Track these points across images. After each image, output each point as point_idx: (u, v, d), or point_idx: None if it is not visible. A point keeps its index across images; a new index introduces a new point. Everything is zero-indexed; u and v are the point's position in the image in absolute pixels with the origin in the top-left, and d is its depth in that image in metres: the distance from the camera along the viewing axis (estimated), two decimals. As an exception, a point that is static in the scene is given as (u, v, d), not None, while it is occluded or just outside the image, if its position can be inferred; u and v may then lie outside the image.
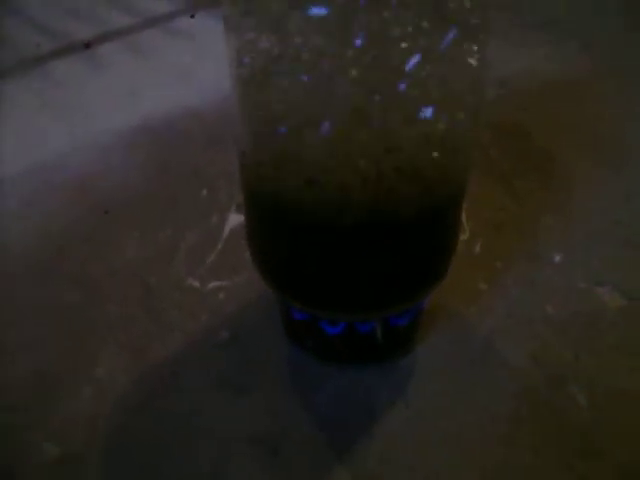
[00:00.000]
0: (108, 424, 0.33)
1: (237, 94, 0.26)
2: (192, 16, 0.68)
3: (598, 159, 0.49)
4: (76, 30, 0.67)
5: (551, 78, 0.58)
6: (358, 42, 0.21)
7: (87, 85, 0.59)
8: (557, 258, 0.41)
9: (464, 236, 0.42)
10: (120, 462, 0.32)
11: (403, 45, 0.22)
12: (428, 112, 0.23)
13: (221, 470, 0.31)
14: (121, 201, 0.46)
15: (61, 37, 0.66)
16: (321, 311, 0.31)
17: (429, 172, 0.25)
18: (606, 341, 0.36)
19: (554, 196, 0.45)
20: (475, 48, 0.24)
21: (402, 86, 0.22)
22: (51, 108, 0.57)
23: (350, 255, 0.28)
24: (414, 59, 0.22)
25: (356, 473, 0.31)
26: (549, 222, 0.43)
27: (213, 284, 0.40)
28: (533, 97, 0.56)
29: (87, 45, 0.63)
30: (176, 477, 0.31)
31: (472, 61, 0.24)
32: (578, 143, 0.51)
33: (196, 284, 0.40)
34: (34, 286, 0.41)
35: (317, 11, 0.21)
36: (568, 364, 0.35)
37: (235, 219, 0.44)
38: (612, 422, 0.33)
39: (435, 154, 0.25)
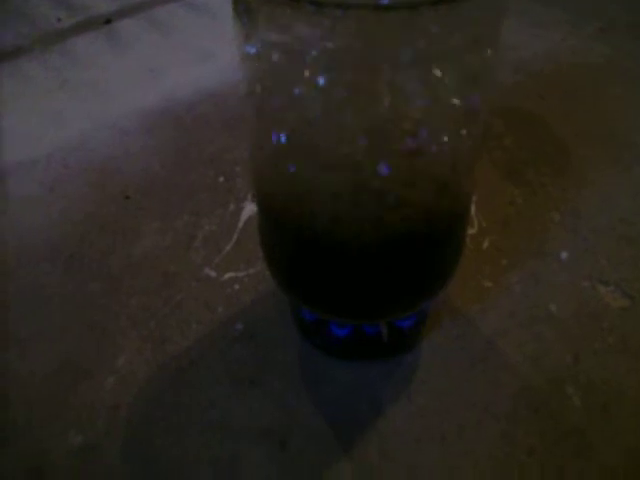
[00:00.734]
0: (129, 414, 0.36)
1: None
2: (211, -11, 0.68)
3: (611, 153, 0.49)
4: (96, 3, 0.68)
5: (568, 63, 0.58)
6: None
7: (107, 64, 0.60)
8: (563, 255, 0.42)
9: (473, 230, 0.43)
10: (139, 451, 0.34)
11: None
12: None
13: (232, 461, 0.34)
14: (141, 187, 0.48)
15: (81, 11, 0.67)
16: (329, 315, 0.33)
17: (433, 205, 0.26)
18: (606, 342, 0.38)
19: (564, 191, 0.46)
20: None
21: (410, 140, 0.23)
22: (71, 87, 0.58)
23: (359, 269, 0.30)
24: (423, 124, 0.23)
25: (358, 467, 0.33)
26: (557, 218, 0.44)
27: (229, 275, 0.42)
28: (550, 83, 0.56)
29: (108, 21, 0.64)
30: (190, 467, 0.34)
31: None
32: (593, 135, 0.51)
33: (213, 274, 0.42)
34: (58, 275, 0.43)
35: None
36: (567, 365, 0.37)
37: (251, 208, 0.45)
38: (607, 424, 0.34)
39: (438, 190, 0.26)
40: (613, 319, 0.39)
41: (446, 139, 0.25)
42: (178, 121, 0.53)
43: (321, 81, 0.23)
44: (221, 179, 0.48)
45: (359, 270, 0.30)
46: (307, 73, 0.23)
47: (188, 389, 0.37)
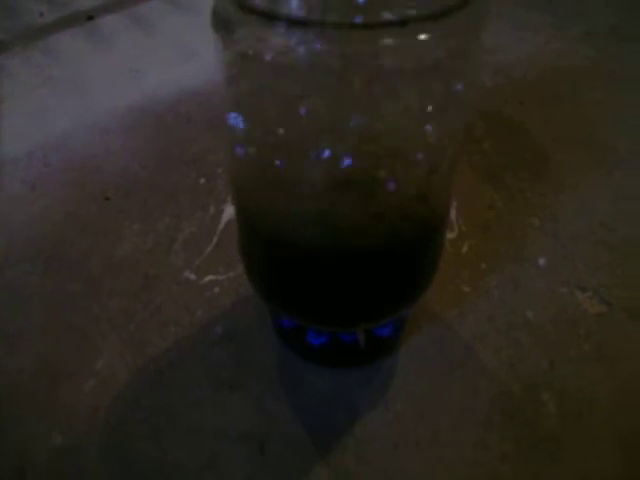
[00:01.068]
0: (109, 415, 0.36)
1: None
2: (196, -14, 0.68)
3: (591, 158, 0.49)
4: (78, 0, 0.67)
5: (551, 66, 0.58)
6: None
7: (89, 62, 0.60)
8: (541, 261, 0.42)
9: (452, 235, 0.44)
10: (118, 452, 0.34)
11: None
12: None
13: (211, 464, 0.34)
14: (121, 187, 0.47)
15: (64, 6, 0.66)
16: (306, 322, 0.33)
17: (407, 221, 0.26)
18: (582, 349, 0.38)
19: (543, 196, 0.46)
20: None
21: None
22: (53, 85, 0.57)
23: (335, 279, 0.30)
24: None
25: (335, 471, 0.33)
26: (536, 223, 0.45)
27: (209, 278, 0.42)
28: (531, 87, 0.56)
29: (90, 17, 0.63)
30: (169, 469, 0.34)
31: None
32: (573, 140, 0.51)
33: (193, 277, 0.42)
34: (38, 276, 0.42)
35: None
36: (543, 372, 0.37)
37: (231, 211, 0.45)
38: (581, 431, 0.35)
39: (416, 206, 0.26)
40: (590, 325, 0.39)
41: (421, 158, 0.25)
42: (160, 120, 0.53)
43: (295, 99, 0.23)
44: (202, 180, 0.48)
45: (335, 279, 0.30)
46: (281, 89, 0.23)
47: (167, 392, 0.37)
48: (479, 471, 0.33)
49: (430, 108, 0.25)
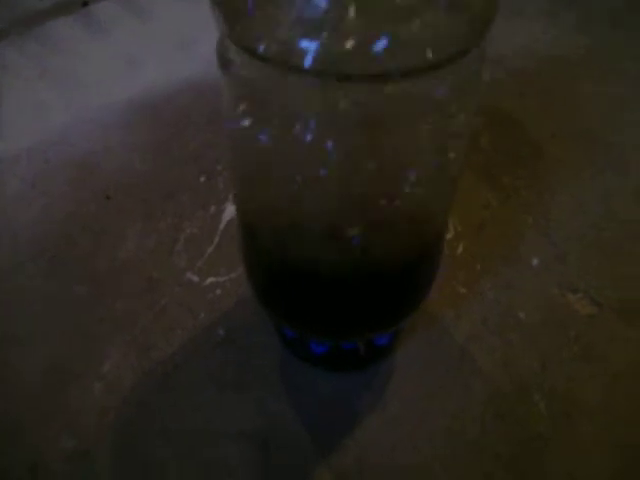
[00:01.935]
0: (117, 418, 0.37)
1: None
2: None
3: (585, 155, 0.50)
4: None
5: (548, 56, 0.58)
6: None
7: (85, 51, 0.59)
8: (535, 262, 0.44)
9: (449, 235, 0.45)
10: (127, 454, 0.36)
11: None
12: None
13: (216, 464, 0.35)
14: (122, 186, 0.48)
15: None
16: (308, 333, 0.35)
17: (405, 242, 0.27)
18: (572, 350, 0.40)
19: (538, 195, 0.47)
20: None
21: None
22: (50, 77, 0.57)
23: (336, 296, 0.31)
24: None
25: (335, 471, 0.35)
26: (530, 223, 0.46)
27: (210, 279, 0.43)
28: (529, 79, 0.56)
29: (85, 4, 0.62)
30: (175, 469, 0.35)
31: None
32: (569, 135, 0.52)
33: (195, 279, 0.43)
34: (43, 277, 0.43)
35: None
36: (534, 372, 0.39)
37: (231, 211, 0.46)
38: (569, 431, 0.36)
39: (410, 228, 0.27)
40: (580, 327, 0.41)
41: (419, 193, 0.26)
42: (158, 114, 0.53)
43: (301, 137, 0.24)
44: (202, 178, 0.48)
45: (336, 296, 0.31)
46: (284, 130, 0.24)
47: (173, 393, 0.38)
48: (473, 472, 0.35)
49: (429, 145, 0.25)
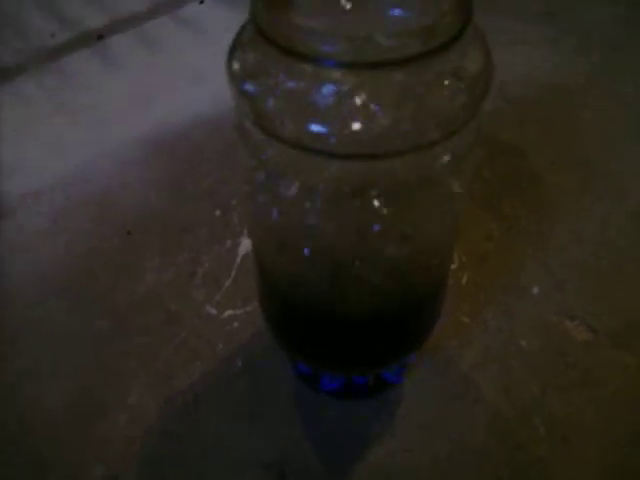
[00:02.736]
0: (142, 448, 0.40)
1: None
2: (201, 2, 0.69)
3: (583, 183, 0.52)
4: (88, 16, 0.69)
5: (548, 84, 0.61)
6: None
7: (101, 85, 0.62)
8: (535, 290, 0.46)
9: (453, 265, 0.47)
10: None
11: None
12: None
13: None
14: (141, 221, 0.50)
15: (74, 25, 0.68)
16: (321, 369, 0.37)
17: (410, 292, 0.30)
18: (570, 376, 0.42)
19: (538, 224, 0.50)
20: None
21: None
22: (67, 111, 0.60)
23: (347, 335, 0.34)
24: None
25: (350, 497, 0.38)
26: (530, 252, 0.48)
27: (228, 312, 0.45)
28: (529, 108, 0.58)
29: (100, 37, 0.65)
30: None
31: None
32: (568, 163, 0.54)
33: (213, 312, 0.45)
34: (65, 312, 0.46)
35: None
36: (535, 398, 0.41)
37: (247, 245, 0.48)
38: (568, 455, 0.39)
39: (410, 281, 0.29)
40: (577, 353, 0.43)
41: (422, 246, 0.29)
42: (172, 150, 0.56)
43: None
44: (218, 213, 0.51)
45: (349, 335, 0.34)
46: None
47: (194, 423, 0.41)
48: (476, 496, 0.37)
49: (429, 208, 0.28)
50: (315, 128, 0.24)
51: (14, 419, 0.41)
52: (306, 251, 0.29)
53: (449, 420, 0.40)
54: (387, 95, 0.25)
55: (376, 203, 0.27)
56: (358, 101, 0.24)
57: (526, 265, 0.47)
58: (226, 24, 0.61)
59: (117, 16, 0.69)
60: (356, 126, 0.24)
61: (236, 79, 0.27)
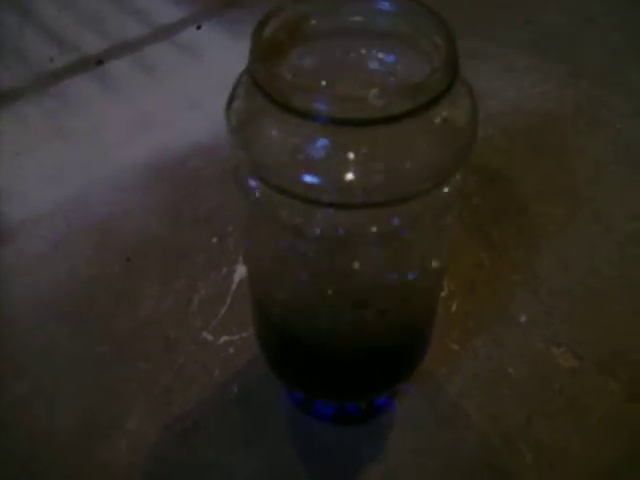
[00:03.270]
0: (142, 473, 0.41)
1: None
2: (199, 27, 0.71)
3: (570, 211, 0.54)
4: (87, 41, 0.70)
5: (537, 112, 0.62)
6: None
7: (100, 110, 0.63)
8: (523, 318, 0.47)
9: (443, 293, 0.48)
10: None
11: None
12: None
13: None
14: (140, 248, 0.52)
15: (73, 49, 0.69)
16: (315, 397, 0.38)
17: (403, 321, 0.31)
18: (556, 403, 0.43)
19: (525, 252, 0.51)
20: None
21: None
22: (67, 135, 0.61)
23: (340, 367, 0.35)
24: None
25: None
26: (518, 280, 0.49)
27: (224, 338, 0.46)
28: (518, 135, 0.60)
29: (99, 62, 0.66)
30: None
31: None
32: (555, 190, 0.55)
33: (210, 338, 0.47)
34: (67, 337, 0.47)
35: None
36: (521, 425, 0.42)
37: (242, 272, 0.50)
38: (553, 480, 0.40)
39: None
40: (563, 380, 0.44)
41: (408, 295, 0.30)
42: (171, 176, 0.57)
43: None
44: (214, 240, 0.52)
45: (342, 368, 0.35)
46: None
47: (192, 449, 0.42)
48: (464, 522, 0.39)
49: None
50: (309, 179, 0.26)
51: (16, 443, 0.42)
52: (301, 291, 0.31)
53: (438, 445, 0.41)
54: (377, 148, 0.26)
55: (370, 249, 0.28)
56: (350, 155, 0.26)
57: (515, 293, 0.49)
58: (223, 50, 0.62)
59: (116, 41, 0.71)
60: (348, 177, 0.26)
61: (233, 129, 0.28)
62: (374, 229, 0.27)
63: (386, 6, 0.29)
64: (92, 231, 0.53)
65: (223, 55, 0.68)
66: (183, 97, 0.64)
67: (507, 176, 0.56)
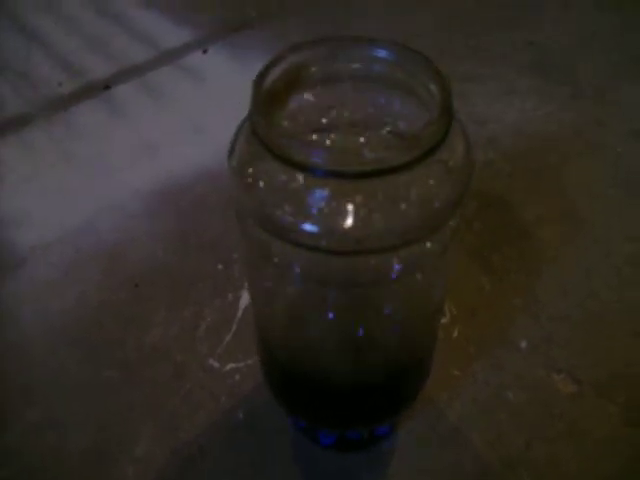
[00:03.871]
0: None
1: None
2: (205, 51, 0.72)
3: (570, 235, 0.55)
4: (94, 66, 0.72)
5: (538, 135, 0.63)
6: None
7: (107, 136, 0.65)
8: (523, 344, 0.48)
9: (444, 320, 0.49)
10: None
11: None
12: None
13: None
14: (148, 275, 0.53)
15: (81, 74, 0.71)
16: (318, 426, 0.39)
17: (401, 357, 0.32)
18: (556, 428, 0.44)
19: (526, 276, 0.52)
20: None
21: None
22: (74, 162, 0.63)
23: (342, 399, 0.36)
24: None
25: None
26: (519, 305, 0.50)
27: (230, 365, 0.48)
28: (519, 158, 0.61)
29: (106, 87, 0.68)
30: None
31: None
32: (554, 214, 0.56)
33: (216, 365, 0.48)
34: (77, 362, 0.48)
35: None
36: (521, 450, 0.43)
37: (247, 298, 0.51)
38: (551, 506, 0.41)
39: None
40: (563, 405, 0.45)
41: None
42: (178, 203, 0.58)
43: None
44: (220, 266, 0.53)
45: (345, 400, 0.36)
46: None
47: (198, 473, 0.43)
48: None
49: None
50: (308, 227, 0.27)
51: (28, 469, 0.43)
52: (303, 332, 0.32)
53: (439, 470, 0.42)
54: (375, 198, 0.27)
55: (370, 292, 0.29)
56: (348, 205, 0.27)
57: (515, 318, 0.49)
58: (229, 74, 0.63)
59: (123, 65, 0.72)
60: (347, 225, 0.27)
61: (235, 171, 0.29)
62: (372, 274, 0.28)
63: (383, 54, 0.31)
64: (101, 257, 0.54)
65: (229, 79, 0.69)
66: (188, 121, 0.66)
67: (508, 201, 0.57)
